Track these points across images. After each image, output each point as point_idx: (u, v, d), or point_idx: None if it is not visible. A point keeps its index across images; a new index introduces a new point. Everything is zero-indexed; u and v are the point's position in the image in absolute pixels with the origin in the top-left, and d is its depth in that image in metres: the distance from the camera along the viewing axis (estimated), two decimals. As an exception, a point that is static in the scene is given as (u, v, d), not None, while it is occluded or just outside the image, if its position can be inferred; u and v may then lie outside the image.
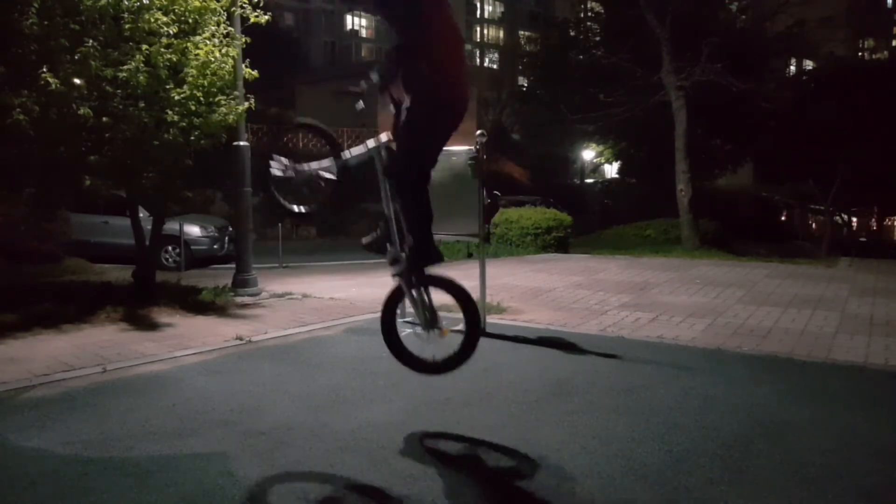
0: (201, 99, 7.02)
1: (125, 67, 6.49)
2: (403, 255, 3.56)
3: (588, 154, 34.60)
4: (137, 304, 6.95)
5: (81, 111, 6.35)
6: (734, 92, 16.86)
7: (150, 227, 8.00)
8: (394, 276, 3.66)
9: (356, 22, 62.75)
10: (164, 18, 6.74)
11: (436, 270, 3.59)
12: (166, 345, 5.59)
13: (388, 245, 3.65)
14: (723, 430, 3.74)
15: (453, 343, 3.53)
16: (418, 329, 3.62)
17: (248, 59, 7.88)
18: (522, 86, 41.46)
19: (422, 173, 3.59)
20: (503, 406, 4.14)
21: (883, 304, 7.55)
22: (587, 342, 5.78)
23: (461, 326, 3.53)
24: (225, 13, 7.55)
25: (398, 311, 3.80)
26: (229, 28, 7.61)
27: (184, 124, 6.91)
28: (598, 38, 25.96)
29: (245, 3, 7.83)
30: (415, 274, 3.56)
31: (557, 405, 4.15)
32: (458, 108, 3.59)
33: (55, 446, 3.47)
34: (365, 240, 3.81)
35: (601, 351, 5.48)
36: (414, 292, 3.61)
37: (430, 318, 3.59)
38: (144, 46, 6.61)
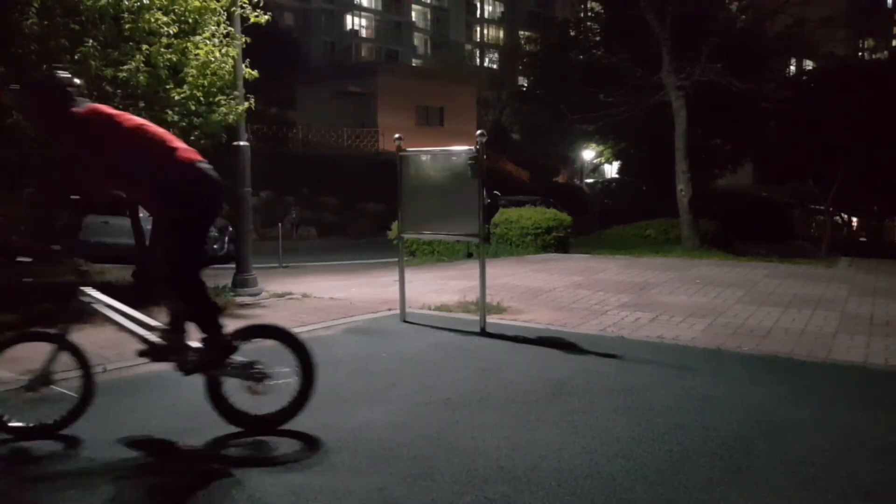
0: (201, 99, 7.02)
1: (125, 67, 6.49)
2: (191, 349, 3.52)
3: (588, 154, 34.63)
4: (137, 304, 6.93)
5: (81, 111, 6.35)
6: (734, 92, 16.84)
7: (149, 227, 7.98)
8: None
9: (356, 22, 62.79)
10: (164, 18, 6.74)
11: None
12: (166, 345, 5.57)
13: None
14: (723, 430, 3.74)
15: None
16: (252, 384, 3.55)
17: (248, 59, 7.88)
18: (522, 86, 41.52)
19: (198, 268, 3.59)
20: (503, 406, 4.14)
21: (883, 304, 7.55)
22: (587, 342, 5.78)
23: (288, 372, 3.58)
24: (225, 13, 7.55)
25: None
26: (229, 28, 7.62)
27: (184, 124, 6.91)
28: (598, 38, 25.97)
29: (245, 3, 7.83)
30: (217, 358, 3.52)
31: (557, 405, 4.15)
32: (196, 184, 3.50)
33: (55, 446, 3.47)
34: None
35: (601, 351, 5.48)
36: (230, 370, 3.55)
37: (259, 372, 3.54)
38: (144, 46, 6.61)
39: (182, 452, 3.43)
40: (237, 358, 3.55)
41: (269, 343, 3.68)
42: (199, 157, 3.51)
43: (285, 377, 3.61)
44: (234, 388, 3.60)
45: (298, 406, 3.65)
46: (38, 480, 3.10)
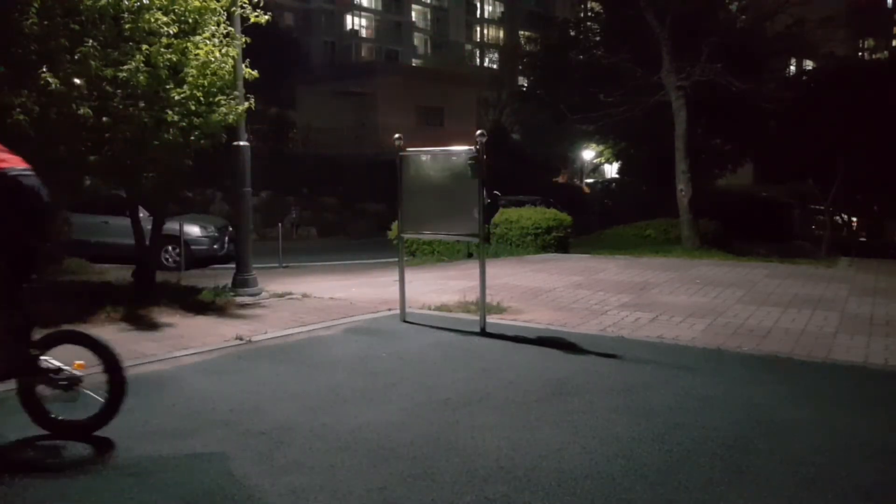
0: (201, 99, 7.01)
1: (125, 67, 6.49)
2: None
3: (588, 154, 34.62)
4: (137, 304, 6.95)
5: (81, 111, 6.35)
6: (734, 92, 16.83)
7: (150, 227, 7.99)
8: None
9: (356, 22, 62.77)
10: (164, 18, 6.74)
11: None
12: (166, 345, 5.58)
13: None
14: (723, 430, 3.74)
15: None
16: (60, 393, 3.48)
17: (248, 59, 7.88)
18: (522, 86, 41.45)
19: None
20: (503, 406, 4.14)
21: (883, 304, 7.54)
22: (587, 342, 5.78)
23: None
24: (225, 13, 7.54)
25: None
26: (229, 28, 7.61)
27: (184, 124, 6.91)
28: (598, 38, 25.92)
29: (245, 3, 7.83)
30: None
31: (557, 405, 4.16)
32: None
33: (55, 446, 3.47)
34: None
35: (601, 351, 5.48)
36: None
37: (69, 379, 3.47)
38: (144, 46, 6.61)
39: (182, 452, 3.43)
40: (47, 363, 3.47)
41: (80, 349, 3.57)
42: (23, 166, 3.40)
43: (96, 385, 3.52)
44: (47, 393, 3.52)
45: (110, 412, 3.53)
46: (37, 481, 3.10)
